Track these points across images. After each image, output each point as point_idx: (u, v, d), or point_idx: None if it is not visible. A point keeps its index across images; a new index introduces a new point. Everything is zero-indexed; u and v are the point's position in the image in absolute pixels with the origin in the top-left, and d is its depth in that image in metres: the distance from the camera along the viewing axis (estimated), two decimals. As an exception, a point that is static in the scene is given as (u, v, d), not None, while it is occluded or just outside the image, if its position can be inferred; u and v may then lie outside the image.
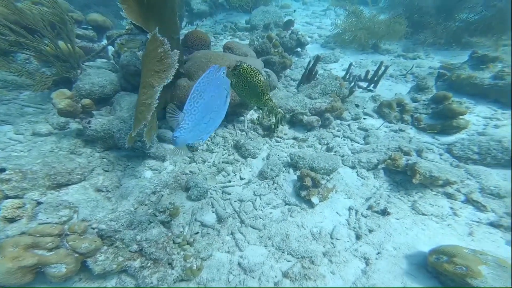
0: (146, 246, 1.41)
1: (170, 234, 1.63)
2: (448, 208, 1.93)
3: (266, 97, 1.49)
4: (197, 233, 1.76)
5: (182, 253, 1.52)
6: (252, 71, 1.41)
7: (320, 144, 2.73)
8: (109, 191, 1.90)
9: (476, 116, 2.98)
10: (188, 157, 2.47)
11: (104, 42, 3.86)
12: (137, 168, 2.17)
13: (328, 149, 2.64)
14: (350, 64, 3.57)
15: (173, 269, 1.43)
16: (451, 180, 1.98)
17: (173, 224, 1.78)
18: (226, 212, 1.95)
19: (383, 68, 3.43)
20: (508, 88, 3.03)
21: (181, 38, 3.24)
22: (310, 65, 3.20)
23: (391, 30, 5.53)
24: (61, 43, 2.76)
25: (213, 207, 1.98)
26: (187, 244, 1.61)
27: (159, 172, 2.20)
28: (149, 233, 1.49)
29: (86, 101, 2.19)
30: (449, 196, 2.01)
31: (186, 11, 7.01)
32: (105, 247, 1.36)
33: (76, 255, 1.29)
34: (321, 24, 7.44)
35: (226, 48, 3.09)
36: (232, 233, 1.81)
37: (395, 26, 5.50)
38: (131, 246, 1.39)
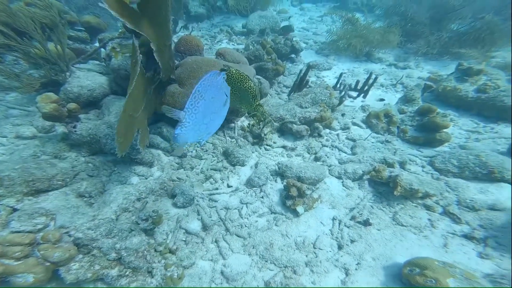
0: (125, 254, 1.43)
1: (152, 242, 1.65)
2: (426, 220, 2.02)
3: (257, 103, 1.51)
4: (184, 241, 1.79)
5: (163, 261, 1.54)
6: (241, 77, 1.42)
7: (309, 153, 2.80)
8: (92, 197, 1.90)
9: (459, 129, 3.11)
10: (176, 163, 2.50)
11: (97, 44, 3.85)
12: (124, 173, 2.18)
13: (316, 159, 2.71)
14: (341, 74, 3.66)
15: (153, 277, 1.45)
16: (430, 192, 2.07)
17: (157, 232, 1.80)
18: (212, 220, 1.98)
19: (373, 77, 3.54)
20: (490, 101, 3.17)
21: (174, 43, 3.27)
22: (301, 74, 3.27)
23: (385, 39, 5.68)
24: (51, 45, 2.75)
25: (198, 215, 2.01)
26: (169, 252, 1.63)
27: (146, 178, 2.21)
28: (129, 241, 1.50)
29: (72, 105, 2.19)
30: (428, 208, 2.10)
31: (183, 13, 7.03)
32: (81, 256, 1.37)
33: (48, 264, 1.30)
34: (317, 30, 7.57)
35: (219, 54, 3.13)
36: (216, 241, 1.85)
37: (389, 35, 5.66)
38: (109, 254, 1.41)
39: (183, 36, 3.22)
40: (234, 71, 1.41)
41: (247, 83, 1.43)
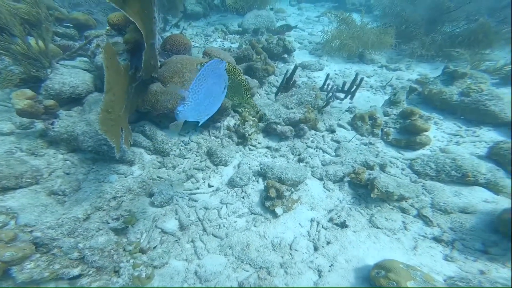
0: (88, 254, 1.44)
1: (124, 241, 1.66)
2: (400, 222, 2.08)
3: (248, 95, 1.60)
4: (158, 240, 1.80)
5: (132, 261, 1.55)
6: (235, 70, 1.51)
7: (293, 155, 2.83)
8: (66, 195, 1.90)
9: (442, 132, 3.18)
10: (158, 162, 2.51)
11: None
12: (102, 171, 2.18)
13: (300, 160, 2.74)
14: (328, 75, 3.69)
15: (119, 277, 1.47)
16: (405, 195, 2.13)
17: (130, 231, 1.81)
18: (189, 220, 2.00)
19: (359, 79, 3.58)
20: (473, 105, 3.24)
21: (161, 40, 3.25)
22: (288, 75, 3.29)
23: (379, 40, 5.72)
24: (33, 41, 2.71)
25: (176, 214, 2.03)
26: (140, 252, 1.65)
27: (125, 177, 2.22)
28: (94, 241, 1.51)
29: (49, 102, 2.18)
30: (403, 210, 2.16)
31: (180, 12, 7.00)
32: (38, 255, 1.37)
33: (-1, 263, 1.29)
34: (313, 31, 7.60)
35: (205, 54, 3.13)
36: (192, 241, 1.87)
37: (384, 36, 5.70)
38: (71, 254, 1.41)
39: (170, 35, 3.21)
40: (228, 65, 1.48)
41: (240, 76, 1.52)
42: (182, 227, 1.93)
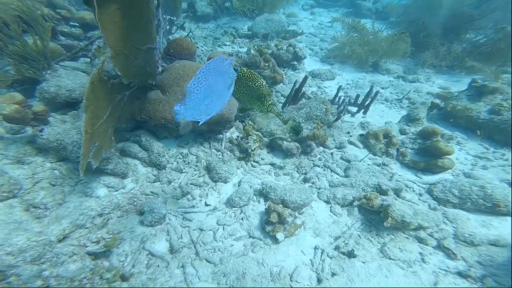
0: (54, 283, 1.40)
1: (103, 265, 1.64)
2: (417, 254, 2.02)
3: (270, 102, 1.57)
4: (145, 264, 1.77)
5: None
6: (252, 75, 1.53)
7: (298, 173, 2.82)
8: (48, 209, 1.91)
9: (466, 154, 3.13)
10: (153, 175, 2.53)
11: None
12: (91, 184, 2.21)
13: (306, 180, 2.73)
14: (340, 87, 3.73)
15: None
16: (423, 225, 2.08)
17: (114, 253, 1.80)
18: (182, 242, 1.99)
19: (374, 92, 3.60)
20: (504, 125, 3.19)
21: (163, 45, 3.38)
22: (297, 86, 3.34)
23: (392, 48, 5.77)
24: (31, 41, 2.86)
25: (168, 235, 2.03)
26: (121, 279, 1.63)
27: (116, 190, 2.24)
28: (63, 268, 1.48)
29: (39, 107, 2.26)
30: (420, 240, 2.10)
31: (190, 12, 7.30)
32: None
33: None
34: (325, 36, 7.74)
35: (209, 59, 3.22)
36: (183, 266, 1.85)
37: (398, 43, 5.74)
38: (31, 283, 1.38)
39: (174, 39, 3.34)
40: (245, 70, 1.52)
41: (259, 81, 1.52)
42: (172, 250, 1.92)
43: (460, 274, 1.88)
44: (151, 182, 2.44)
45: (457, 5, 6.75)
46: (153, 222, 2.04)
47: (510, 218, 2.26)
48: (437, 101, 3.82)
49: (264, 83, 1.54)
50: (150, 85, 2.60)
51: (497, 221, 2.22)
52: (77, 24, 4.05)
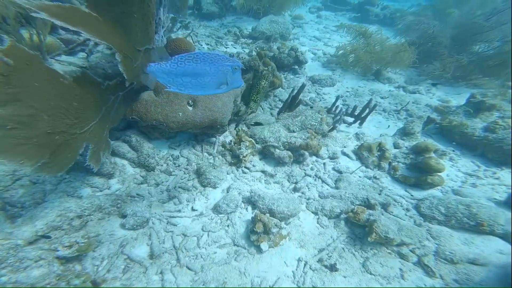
0: None
1: (74, 269, 1.63)
2: (397, 270, 2.05)
3: (253, 98, 1.81)
4: (122, 269, 1.77)
5: None
6: (264, 77, 1.63)
7: (289, 182, 2.85)
8: (25, 208, 1.90)
9: (457, 171, 3.15)
10: (141, 176, 2.56)
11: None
12: (74, 183, 2.23)
13: (295, 189, 2.75)
14: (338, 97, 3.74)
15: None
16: (406, 241, 2.11)
17: (89, 256, 1.81)
18: (163, 247, 2.02)
19: (372, 104, 3.61)
20: (498, 144, 3.19)
21: (160, 44, 3.39)
22: (294, 93, 3.36)
23: (397, 58, 5.76)
24: (26, 35, 2.88)
25: (149, 239, 2.06)
26: (92, 284, 1.64)
27: (101, 191, 2.27)
28: (25, 274, 1.44)
29: None
30: (402, 256, 2.14)
31: (196, 10, 7.32)
32: None
33: None
34: (329, 41, 7.73)
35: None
36: (161, 273, 1.87)
37: (404, 54, 5.73)
38: None
39: (172, 39, 3.36)
40: (267, 71, 1.61)
41: (263, 82, 1.76)
42: (152, 255, 1.94)
43: None
44: (138, 183, 2.47)
45: (468, 15, 6.73)
46: (135, 226, 2.06)
47: (497, 237, 2.28)
48: (434, 115, 3.82)
49: (265, 84, 1.68)
50: (145, 86, 2.62)
51: (479, 239, 2.25)
52: None
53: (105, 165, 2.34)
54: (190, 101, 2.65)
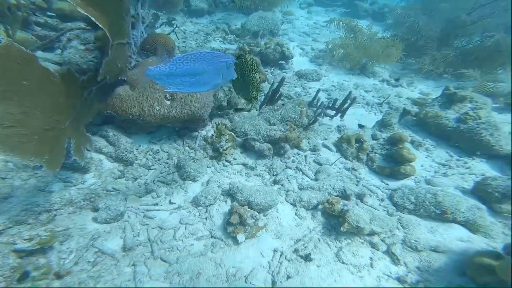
0: None
1: (32, 264, 1.59)
2: (368, 259, 2.12)
3: (254, 95, 1.73)
4: (91, 262, 1.76)
5: None
6: (252, 67, 1.61)
7: (269, 175, 2.87)
8: None
9: (431, 161, 3.24)
10: (119, 170, 2.53)
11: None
12: (46, 178, 2.17)
13: (275, 182, 2.78)
14: (318, 90, 3.76)
15: None
16: (376, 231, 2.17)
17: (56, 249, 1.78)
18: (137, 240, 2.01)
19: (351, 98, 3.65)
20: (469, 134, 3.29)
21: (138, 40, 3.30)
22: (274, 87, 3.36)
23: (385, 53, 5.79)
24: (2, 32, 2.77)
25: (124, 233, 2.04)
26: (55, 277, 1.62)
27: (74, 185, 2.24)
28: None
29: None
30: (373, 245, 2.20)
31: (185, 6, 7.18)
32: None
33: None
34: (318, 36, 7.70)
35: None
36: (134, 265, 1.86)
37: (391, 49, 5.77)
38: None
39: (152, 34, 3.28)
40: (249, 59, 1.59)
41: (254, 74, 1.62)
42: (125, 248, 1.93)
43: (399, 279, 1.99)
44: (115, 178, 2.44)
45: (451, 10, 6.81)
46: (108, 219, 2.04)
47: (459, 225, 2.37)
48: (410, 108, 3.90)
49: (257, 77, 1.64)
50: (121, 80, 2.57)
51: (443, 227, 2.34)
52: (54, 15, 3.96)
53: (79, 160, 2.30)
54: (168, 96, 2.61)
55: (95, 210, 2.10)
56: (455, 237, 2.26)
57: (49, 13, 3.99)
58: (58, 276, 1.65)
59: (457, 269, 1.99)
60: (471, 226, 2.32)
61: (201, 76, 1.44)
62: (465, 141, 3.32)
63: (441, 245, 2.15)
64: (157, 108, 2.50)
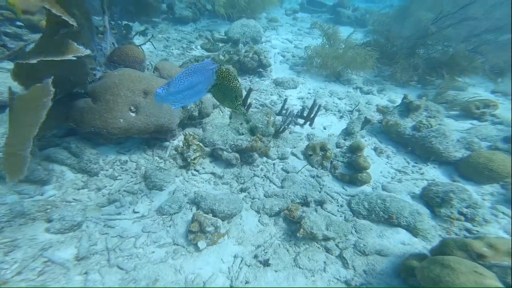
0: None
1: None
2: (322, 263, 2.25)
3: (239, 102, 1.79)
4: (38, 271, 1.74)
5: None
6: (230, 76, 1.67)
7: (237, 183, 2.97)
8: None
9: (390, 167, 3.46)
10: (82, 181, 2.54)
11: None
12: (0, 190, 2.16)
13: (242, 190, 2.88)
14: (285, 100, 3.91)
15: None
16: (329, 236, 2.31)
17: None
18: (94, 249, 2.03)
19: (317, 106, 3.83)
20: (423, 142, 3.54)
21: (106, 52, 3.31)
22: (243, 97, 3.47)
23: (362, 62, 6.03)
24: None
25: (79, 242, 2.05)
26: None
27: (31, 197, 2.23)
28: None
29: None
30: (328, 250, 2.34)
31: (170, 14, 7.16)
32: None
33: None
34: (301, 43, 7.88)
35: (155, 69, 3.25)
36: (86, 273, 1.87)
37: (365, 57, 6.02)
38: None
39: (120, 46, 3.30)
40: (224, 69, 1.65)
41: (234, 83, 1.66)
42: (78, 257, 1.92)
43: (346, 282, 2.13)
44: (77, 189, 2.45)
45: (419, 19, 7.19)
46: (62, 230, 2.04)
47: (403, 229, 2.55)
48: (370, 117, 4.12)
49: (239, 85, 1.71)
50: (80, 93, 2.58)
51: (390, 231, 2.53)
52: (23, 25, 3.91)
53: (35, 171, 2.30)
54: (132, 108, 2.65)
55: (49, 221, 2.10)
56: (398, 241, 2.44)
57: (17, 23, 3.94)
58: (-4, 286, 1.64)
59: (395, 272, 2.16)
60: (412, 230, 2.52)
61: (197, 87, 1.56)
62: (419, 148, 3.58)
63: (385, 249, 2.33)
64: (121, 120, 2.53)
